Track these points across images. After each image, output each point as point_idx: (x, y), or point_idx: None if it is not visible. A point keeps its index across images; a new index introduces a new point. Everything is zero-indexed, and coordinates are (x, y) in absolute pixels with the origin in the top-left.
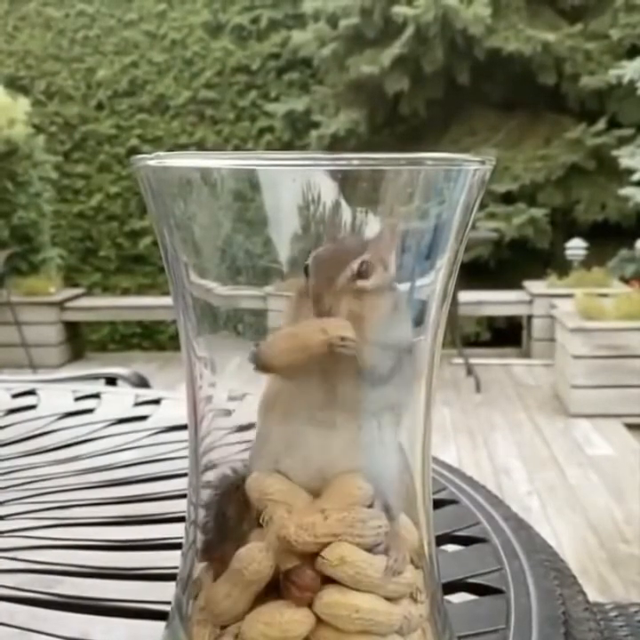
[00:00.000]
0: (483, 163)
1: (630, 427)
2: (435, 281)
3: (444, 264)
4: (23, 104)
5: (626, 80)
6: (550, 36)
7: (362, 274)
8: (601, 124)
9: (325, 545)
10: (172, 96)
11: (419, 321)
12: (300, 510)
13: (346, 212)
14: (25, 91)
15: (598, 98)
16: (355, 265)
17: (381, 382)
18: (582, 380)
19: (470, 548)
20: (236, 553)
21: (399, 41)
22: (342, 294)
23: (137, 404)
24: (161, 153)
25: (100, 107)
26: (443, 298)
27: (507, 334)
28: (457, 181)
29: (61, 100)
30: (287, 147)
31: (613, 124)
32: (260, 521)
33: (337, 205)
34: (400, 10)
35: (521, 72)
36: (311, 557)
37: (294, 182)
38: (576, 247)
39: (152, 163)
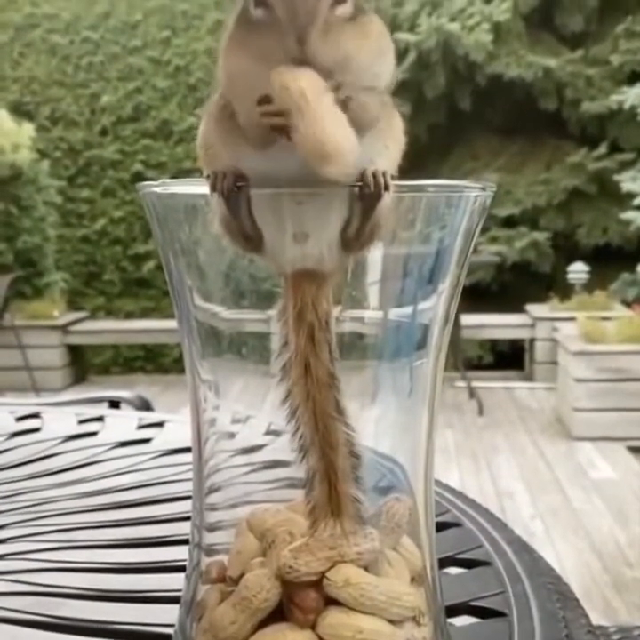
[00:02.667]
0: (483, 189)
1: (633, 450)
2: (437, 304)
3: (446, 288)
4: (28, 129)
5: (627, 105)
6: (551, 62)
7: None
8: (602, 149)
9: (328, 569)
10: (176, 121)
11: (421, 344)
12: (297, 540)
13: None
14: (30, 116)
15: (599, 123)
16: None
17: (363, 131)
18: (585, 403)
19: (473, 570)
20: (244, 579)
21: (401, 66)
22: (323, 24)
23: (140, 427)
24: (167, 179)
25: (104, 132)
26: (445, 321)
27: (509, 357)
28: (458, 207)
29: (66, 125)
30: None
31: (614, 148)
32: (265, 547)
33: None
34: (402, 36)
35: (522, 97)
36: (314, 581)
37: None
38: (578, 271)
39: (158, 189)
